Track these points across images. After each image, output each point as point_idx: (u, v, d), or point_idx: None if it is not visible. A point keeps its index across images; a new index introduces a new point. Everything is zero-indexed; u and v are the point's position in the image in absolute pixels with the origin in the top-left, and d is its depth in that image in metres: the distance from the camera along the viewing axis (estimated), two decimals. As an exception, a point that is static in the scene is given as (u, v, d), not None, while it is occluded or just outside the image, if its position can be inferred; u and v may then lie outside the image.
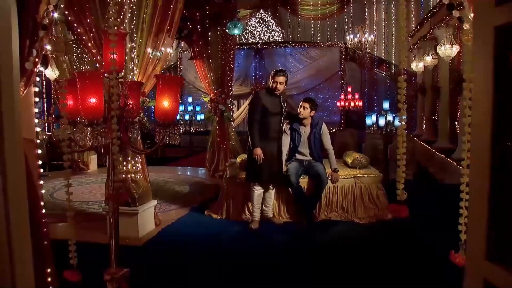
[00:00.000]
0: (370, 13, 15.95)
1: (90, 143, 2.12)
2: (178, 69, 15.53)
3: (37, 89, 2.26)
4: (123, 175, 3.86)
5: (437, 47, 7.92)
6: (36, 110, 2.29)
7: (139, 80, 4.08)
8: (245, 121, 4.53)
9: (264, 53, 15.24)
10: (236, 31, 7.11)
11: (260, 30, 15.18)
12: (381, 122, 8.39)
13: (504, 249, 1.03)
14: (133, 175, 4.19)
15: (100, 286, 2.31)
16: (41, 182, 2.22)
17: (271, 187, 4.62)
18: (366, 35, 14.83)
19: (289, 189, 4.64)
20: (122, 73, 2.26)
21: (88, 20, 3.86)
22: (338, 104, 14.12)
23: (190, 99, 12.82)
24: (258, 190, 4.50)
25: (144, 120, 4.88)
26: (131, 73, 4.05)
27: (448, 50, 7.61)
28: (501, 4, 0.96)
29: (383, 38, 15.81)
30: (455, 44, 7.61)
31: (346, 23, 16.21)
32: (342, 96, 14.05)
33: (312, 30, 16.45)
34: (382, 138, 7.90)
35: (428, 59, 9.30)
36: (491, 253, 1.03)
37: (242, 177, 4.69)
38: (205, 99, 8.35)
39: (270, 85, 4.40)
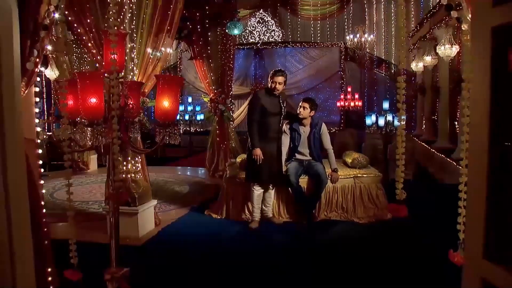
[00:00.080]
0: (370, 13, 15.96)
1: (90, 143, 2.12)
2: (178, 69, 15.54)
3: (37, 89, 2.27)
4: (123, 175, 3.87)
5: (437, 47, 7.93)
6: (37, 110, 2.29)
7: (139, 80, 4.09)
8: (245, 121, 4.55)
9: (264, 53, 15.25)
10: (236, 31, 7.11)
11: (260, 30, 15.20)
12: (381, 122, 8.40)
13: (501, 248, 1.04)
14: (133, 175, 4.20)
15: (100, 286, 2.31)
16: (42, 182, 2.22)
17: (270, 187, 4.63)
18: (366, 35, 14.85)
19: (289, 189, 4.64)
20: (122, 73, 2.26)
21: (88, 20, 3.87)
22: (338, 104, 14.13)
23: (190, 99, 12.84)
24: (257, 190, 4.51)
25: (144, 120, 4.88)
26: (131, 73, 4.06)
27: (447, 50, 7.61)
28: (498, 4, 0.97)
29: (382, 38, 15.82)
30: (454, 44, 7.62)
31: (346, 23, 16.23)
32: (342, 96, 14.06)
33: (312, 30, 16.47)
34: (381, 138, 7.91)
35: (428, 59, 9.31)
36: (489, 252, 1.03)
37: (242, 177, 4.70)
38: (205, 99, 8.35)
39: (269, 85, 4.41)
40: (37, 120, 2.28)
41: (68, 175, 2.33)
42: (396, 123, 6.81)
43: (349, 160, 5.06)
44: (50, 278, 2.20)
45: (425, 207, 5.22)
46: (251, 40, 15.17)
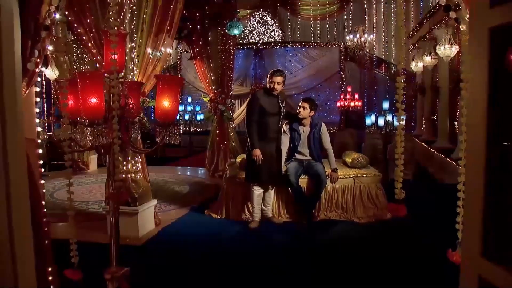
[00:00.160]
0: (369, 13, 15.97)
1: (90, 143, 2.13)
2: (178, 69, 15.55)
3: (37, 89, 2.27)
4: (123, 175, 3.88)
5: (437, 47, 7.94)
6: (37, 110, 2.30)
7: (139, 80, 4.09)
8: (244, 121, 4.54)
9: (264, 53, 15.27)
10: (235, 31, 7.12)
11: (260, 30, 15.21)
12: (381, 122, 8.42)
13: (499, 247, 1.05)
14: (133, 175, 4.21)
15: (100, 286, 2.32)
16: (42, 181, 2.23)
17: (270, 187, 4.63)
18: (366, 35, 14.86)
19: (289, 189, 4.65)
20: (122, 73, 2.27)
21: (88, 20, 3.87)
22: (338, 104, 14.14)
23: (190, 99, 12.85)
24: (257, 191, 4.51)
25: (144, 120, 4.89)
26: (131, 73, 4.07)
27: (447, 50, 7.62)
28: (496, 5, 0.98)
29: (382, 38, 15.83)
30: (454, 44, 7.63)
31: (345, 23, 16.24)
32: (342, 96, 14.07)
33: (312, 30, 16.47)
34: (381, 138, 7.92)
35: (428, 59, 9.32)
36: (486, 251, 1.04)
37: (241, 177, 4.71)
38: (205, 99, 8.36)
39: (268, 85, 4.41)
40: (37, 120, 2.29)
41: (68, 175, 2.34)
42: (395, 123, 6.82)
43: (348, 160, 5.07)
44: (50, 278, 2.20)
45: (425, 207, 5.23)
46: (251, 40, 15.19)
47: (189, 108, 12.32)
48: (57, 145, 7.55)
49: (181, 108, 11.26)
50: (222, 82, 7.59)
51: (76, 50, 8.01)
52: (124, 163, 4.05)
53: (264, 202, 4.65)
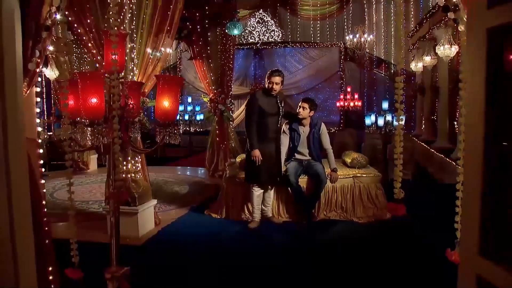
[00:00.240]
0: (369, 13, 15.98)
1: (90, 143, 2.14)
2: (178, 69, 15.56)
3: (38, 89, 2.28)
4: (123, 175, 3.89)
5: (436, 47, 7.93)
6: (37, 110, 2.31)
7: (139, 80, 4.10)
8: (244, 121, 4.54)
9: (264, 53, 15.28)
10: (235, 31, 7.13)
11: (260, 30, 15.22)
12: (380, 122, 8.43)
13: (497, 246, 1.06)
14: (133, 175, 4.21)
15: (100, 285, 2.32)
16: (43, 181, 2.24)
17: (270, 187, 4.64)
18: (366, 35, 14.87)
19: (289, 188, 4.66)
20: (122, 73, 2.28)
21: (88, 21, 3.88)
22: (338, 104, 14.15)
23: (189, 99, 12.86)
24: (257, 191, 4.52)
25: (144, 120, 4.90)
26: (131, 73, 4.08)
27: (447, 50, 7.62)
28: (493, 6, 0.98)
29: (382, 38, 15.84)
30: (454, 44, 7.62)
31: (345, 23, 16.25)
32: (342, 96, 14.08)
33: (312, 30, 16.49)
34: (381, 138, 7.93)
35: (427, 59, 9.32)
36: (484, 250, 1.05)
37: (241, 176, 4.71)
38: (205, 99, 8.37)
39: (266, 85, 4.41)
40: (38, 120, 2.30)
41: (69, 175, 2.34)
42: (395, 123, 6.82)
43: (348, 160, 5.08)
44: (51, 277, 2.21)
45: (425, 207, 5.24)
46: (251, 40, 15.20)
47: (189, 108, 12.33)
48: (58, 145, 7.57)
49: (181, 108, 11.27)
50: (222, 82, 7.60)
51: (76, 50, 8.01)
52: (124, 163, 4.05)
53: (264, 202, 4.66)
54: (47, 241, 2.19)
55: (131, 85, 2.35)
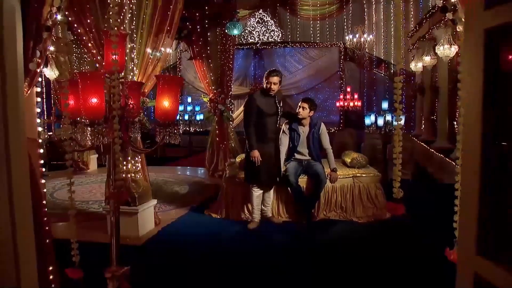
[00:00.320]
0: (369, 13, 15.98)
1: (90, 142, 2.14)
2: (178, 69, 15.55)
3: (38, 89, 2.29)
4: (123, 175, 3.89)
5: (436, 47, 7.94)
6: (38, 110, 2.32)
7: (139, 80, 4.11)
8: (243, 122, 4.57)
9: (264, 53, 15.27)
10: (235, 32, 7.14)
11: (260, 30, 15.22)
12: (380, 122, 8.44)
13: (494, 245, 1.06)
14: (133, 175, 4.22)
15: (101, 285, 2.33)
16: (43, 181, 2.24)
17: (269, 187, 4.63)
18: (365, 35, 14.87)
19: (288, 188, 4.66)
20: (122, 74, 2.28)
21: (88, 21, 3.89)
22: (337, 104, 14.15)
23: (189, 99, 12.86)
24: (257, 192, 4.52)
25: (144, 120, 4.91)
26: (131, 73, 4.08)
27: (446, 50, 7.62)
28: (490, 7, 0.99)
29: (382, 38, 15.84)
30: (453, 45, 7.63)
31: (345, 23, 16.24)
32: (341, 96, 14.08)
33: (312, 30, 16.49)
34: (381, 138, 7.94)
35: (427, 59, 9.32)
36: (482, 249, 1.06)
37: (241, 176, 4.72)
38: (205, 99, 8.38)
39: (264, 85, 4.40)
40: (38, 120, 2.31)
41: (69, 175, 2.35)
42: (395, 123, 6.83)
43: (348, 160, 5.08)
44: (51, 277, 2.22)
45: (424, 206, 5.25)
46: (251, 40, 15.20)
47: (189, 108, 12.33)
48: (58, 145, 7.57)
49: (180, 108, 11.28)
50: (222, 82, 7.60)
51: (76, 50, 8.02)
52: (124, 163, 4.06)
53: (264, 202, 4.66)
54: (47, 241, 2.19)
55: (131, 85, 2.36)
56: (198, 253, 3.81)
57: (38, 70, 1.97)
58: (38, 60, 1.90)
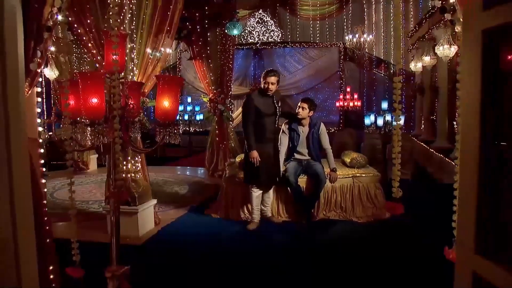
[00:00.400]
0: (369, 13, 15.99)
1: (90, 142, 2.15)
2: (178, 69, 15.56)
3: (39, 89, 2.30)
4: (123, 175, 3.90)
5: (436, 48, 7.94)
6: (38, 110, 2.32)
7: (139, 80, 4.11)
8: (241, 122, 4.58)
9: (263, 53, 15.28)
10: (235, 32, 7.14)
11: (259, 30, 15.22)
12: (380, 122, 8.45)
13: (492, 244, 1.07)
14: (133, 175, 4.23)
15: (101, 285, 2.33)
16: (43, 180, 2.25)
17: (269, 187, 4.63)
18: (365, 35, 14.87)
19: (288, 188, 4.67)
20: (122, 74, 2.29)
21: (88, 21, 3.89)
22: (337, 104, 14.16)
23: (189, 99, 12.87)
24: (256, 192, 4.51)
25: (144, 120, 4.91)
26: (131, 74, 4.09)
27: (446, 50, 7.63)
28: (488, 8, 1.00)
29: (382, 38, 15.85)
30: (453, 45, 7.63)
31: (345, 23, 16.25)
32: (341, 96, 14.09)
33: (311, 30, 16.49)
34: (380, 138, 7.95)
35: (427, 59, 9.33)
36: (480, 248, 1.06)
37: (241, 176, 4.72)
38: (204, 99, 8.38)
39: (262, 85, 4.39)
40: (38, 120, 2.31)
41: (70, 175, 2.35)
42: (394, 123, 6.83)
43: (347, 160, 5.09)
44: (52, 276, 2.22)
45: (424, 206, 5.26)
46: (251, 40, 15.20)
47: (189, 108, 12.34)
48: (58, 145, 7.57)
49: (180, 108, 11.28)
50: (222, 82, 7.61)
51: (76, 50, 8.03)
52: (124, 162, 4.07)
53: (263, 202, 4.66)
54: (48, 240, 2.20)
55: (131, 85, 2.36)
56: (198, 253, 3.82)
57: (39, 70, 1.97)
58: (39, 60, 1.91)
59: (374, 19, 15.89)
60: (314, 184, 4.65)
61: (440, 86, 9.76)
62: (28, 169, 1.58)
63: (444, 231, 2.54)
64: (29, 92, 1.98)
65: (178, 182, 7.24)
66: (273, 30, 15.23)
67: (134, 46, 4.12)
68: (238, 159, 5.12)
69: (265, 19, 15.19)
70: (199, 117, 12.29)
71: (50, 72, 7.52)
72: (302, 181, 4.73)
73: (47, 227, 2.18)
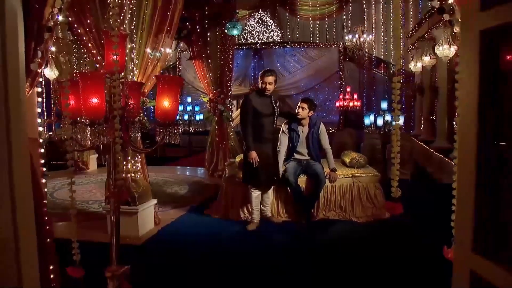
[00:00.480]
0: (368, 13, 16.00)
1: (90, 142, 2.16)
2: (177, 69, 15.56)
3: (39, 89, 2.30)
4: (123, 174, 3.90)
5: (435, 48, 7.95)
6: (38, 110, 2.33)
7: (139, 80, 4.12)
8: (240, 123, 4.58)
9: (263, 53, 15.28)
10: (235, 32, 7.15)
11: (259, 30, 15.23)
12: (379, 122, 8.46)
13: (490, 243, 1.08)
14: (133, 175, 4.23)
15: (100, 284, 2.34)
16: (44, 180, 2.26)
17: (268, 188, 4.63)
18: (365, 35, 14.88)
19: (288, 188, 4.68)
20: (122, 74, 2.30)
21: (88, 21, 3.90)
22: (337, 104, 14.16)
23: (189, 99, 12.87)
24: (255, 192, 4.51)
25: (144, 120, 4.92)
26: (131, 74, 4.09)
27: (446, 50, 7.63)
28: (486, 9, 1.00)
29: (381, 38, 15.86)
30: (453, 45, 7.63)
31: (344, 23, 16.26)
32: (341, 96, 14.09)
33: (311, 30, 16.50)
34: (380, 138, 7.95)
35: (426, 59, 9.33)
36: (477, 247, 1.07)
37: (241, 176, 4.72)
38: (204, 99, 8.39)
39: (260, 86, 4.39)
40: (39, 120, 2.32)
41: (70, 174, 2.36)
42: (394, 123, 6.84)
43: (347, 160, 5.10)
44: (52, 276, 2.23)
45: (423, 206, 5.26)
46: (250, 40, 15.20)
47: (189, 108, 12.35)
48: (59, 145, 7.58)
49: (180, 108, 11.29)
50: (222, 82, 7.62)
51: (76, 50, 8.03)
52: (124, 162, 4.07)
53: (263, 202, 4.66)
54: (48, 240, 2.20)
55: (131, 85, 2.37)
56: (198, 253, 3.82)
57: (39, 71, 1.98)
58: (39, 60, 1.91)
59: (373, 19, 15.90)
60: (313, 184, 4.66)
61: (440, 86, 9.77)
62: (28, 169, 1.59)
63: (443, 231, 2.55)
64: (30, 92, 1.98)
65: (178, 182, 7.24)
66: (273, 30, 15.24)
67: (134, 46, 4.12)
68: (238, 159, 5.13)
69: (265, 19, 15.19)
70: (199, 117, 12.30)
71: (50, 72, 7.52)
72: (302, 181, 4.74)
73: (48, 227, 2.19)
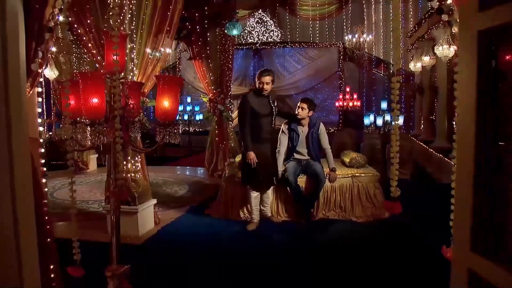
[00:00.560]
0: (368, 13, 16.01)
1: (89, 142, 2.16)
2: (177, 69, 15.56)
3: (39, 90, 2.30)
4: (123, 174, 3.91)
5: (435, 48, 7.95)
6: (39, 110, 2.33)
7: (139, 80, 4.13)
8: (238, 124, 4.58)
9: (263, 53, 15.27)
10: (235, 32, 7.15)
11: (259, 30, 15.22)
12: (379, 122, 8.46)
13: (488, 242, 1.08)
14: (133, 175, 4.24)
15: (101, 284, 2.34)
16: (44, 180, 2.26)
17: (267, 188, 4.63)
18: (365, 35, 14.88)
19: (288, 188, 4.68)
20: (122, 74, 2.30)
21: (88, 21, 3.90)
22: (337, 104, 14.15)
23: (189, 99, 12.87)
24: (254, 193, 4.51)
25: (144, 120, 4.93)
26: (131, 74, 4.10)
27: (445, 50, 7.63)
28: (485, 9, 1.01)
29: (381, 38, 15.86)
30: (452, 45, 7.64)
31: (344, 23, 16.27)
32: (341, 96, 14.08)
33: (311, 30, 16.51)
34: (380, 138, 7.95)
35: (426, 59, 9.33)
36: (475, 246, 1.08)
37: (240, 176, 4.73)
38: (204, 99, 8.39)
39: (257, 86, 4.39)
40: (39, 120, 2.32)
41: (70, 174, 2.36)
42: (393, 123, 6.84)
43: (347, 160, 5.10)
44: (53, 276, 2.23)
45: (423, 206, 5.27)
46: (250, 40, 15.20)
47: (188, 108, 12.35)
48: (59, 145, 7.58)
49: (180, 108, 11.29)
50: (221, 82, 7.62)
51: (76, 50, 8.03)
52: (124, 162, 4.08)
53: (262, 203, 4.66)
54: (48, 240, 2.21)
55: (131, 85, 2.38)
56: (198, 253, 3.83)
57: (40, 71, 1.99)
58: (40, 60, 1.92)
59: (373, 19, 15.91)
60: (313, 184, 4.66)
61: (440, 86, 9.77)
62: (29, 169, 1.60)
63: (442, 230, 2.56)
64: (30, 92, 1.99)
65: (178, 182, 7.24)
66: (272, 30, 15.23)
67: (134, 46, 4.13)
68: (237, 159, 5.13)
69: (265, 19, 15.19)
70: (199, 117, 12.30)
71: (50, 72, 7.53)
72: (302, 181, 4.74)
73: (48, 227, 2.19)
